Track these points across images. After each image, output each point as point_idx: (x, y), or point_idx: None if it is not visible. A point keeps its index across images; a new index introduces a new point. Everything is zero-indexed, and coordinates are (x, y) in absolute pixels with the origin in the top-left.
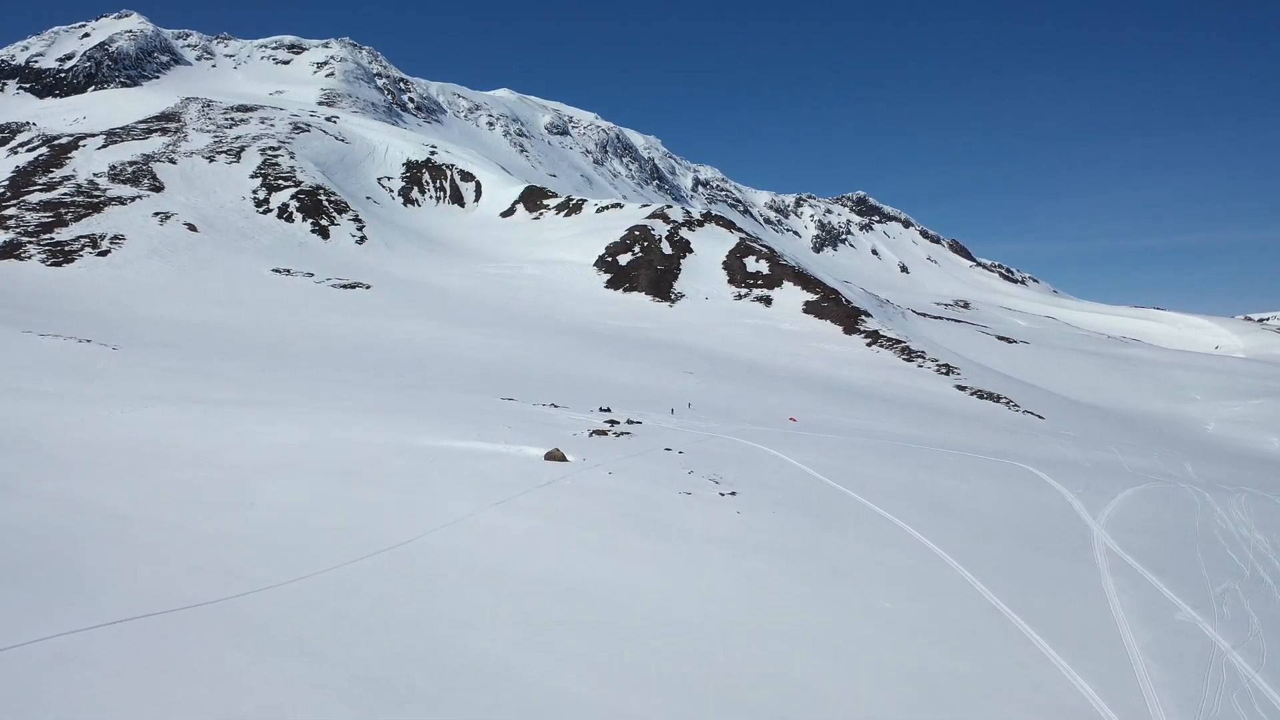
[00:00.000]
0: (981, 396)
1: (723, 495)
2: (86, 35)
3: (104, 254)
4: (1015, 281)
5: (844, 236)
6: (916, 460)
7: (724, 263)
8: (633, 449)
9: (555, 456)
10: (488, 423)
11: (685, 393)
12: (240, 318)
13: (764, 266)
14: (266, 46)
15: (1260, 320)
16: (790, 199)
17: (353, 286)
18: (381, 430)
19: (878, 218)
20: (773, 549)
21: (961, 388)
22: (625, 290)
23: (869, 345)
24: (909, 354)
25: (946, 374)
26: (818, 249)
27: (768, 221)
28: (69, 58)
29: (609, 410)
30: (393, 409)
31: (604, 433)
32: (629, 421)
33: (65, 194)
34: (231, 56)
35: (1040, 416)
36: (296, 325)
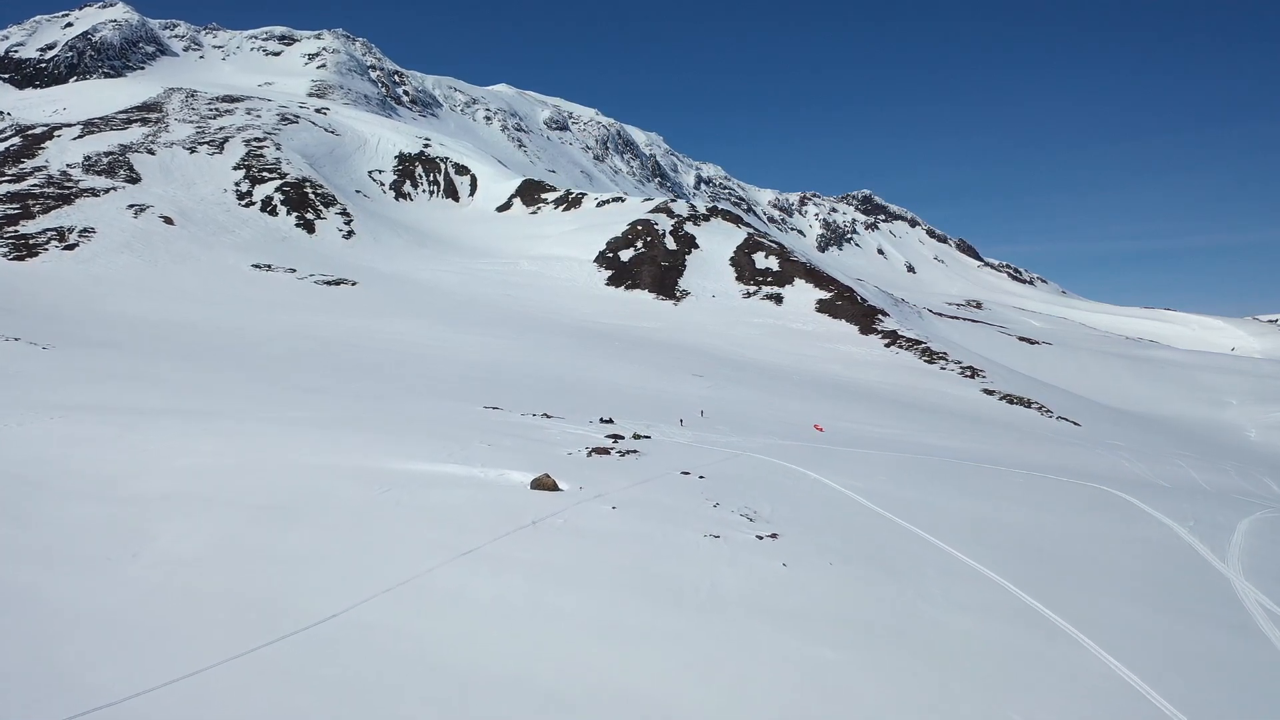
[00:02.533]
0: (1011, 401)
1: (760, 538)
2: (69, 25)
3: (71, 247)
4: (1024, 282)
5: (849, 236)
6: (978, 482)
7: (731, 259)
8: (641, 472)
9: (544, 484)
10: (465, 438)
11: (695, 398)
12: (211, 315)
13: (774, 263)
14: (257, 38)
15: (1271, 321)
16: (794, 197)
17: (337, 283)
18: (332, 449)
19: (883, 217)
20: (841, 624)
21: (989, 392)
22: (627, 287)
23: (887, 346)
24: (930, 356)
25: (971, 377)
26: (823, 248)
27: (771, 220)
28: (50, 47)
29: (611, 421)
30: (354, 421)
31: (606, 451)
32: (635, 436)
33: (35, 185)
34: (220, 48)
35: (1076, 423)
36: (272, 324)
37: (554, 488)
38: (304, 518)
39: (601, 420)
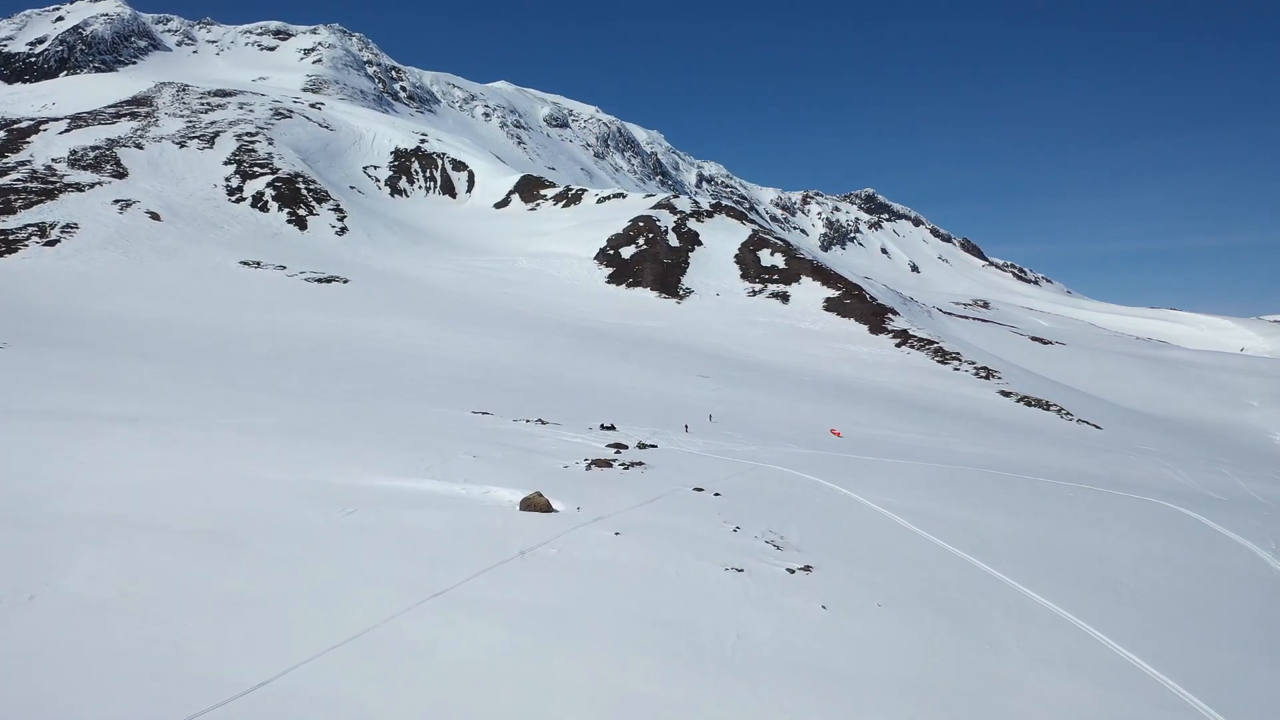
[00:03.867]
0: (1030, 404)
1: (791, 571)
2: (60, 19)
3: (52, 244)
4: (1029, 281)
5: (853, 235)
6: (1023, 497)
7: (736, 256)
8: (648, 489)
9: (536, 504)
10: (448, 449)
11: (701, 401)
12: (193, 314)
13: (780, 260)
14: (252, 32)
15: (1277, 321)
16: (797, 196)
17: (329, 281)
18: (294, 462)
19: (887, 216)
20: (902, 689)
21: (1006, 394)
22: (629, 285)
23: (898, 346)
24: (943, 356)
25: (986, 378)
26: (826, 247)
27: (774, 219)
28: (40, 42)
29: (613, 428)
30: (325, 429)
31: (607, 463)
32: (640, 446)
33: (18, 180)
34: (214, 42)
35: (1097, 426)
36: (257, 323)
37: (547, 508)
38: (247, 548)
39: (602, 427)
